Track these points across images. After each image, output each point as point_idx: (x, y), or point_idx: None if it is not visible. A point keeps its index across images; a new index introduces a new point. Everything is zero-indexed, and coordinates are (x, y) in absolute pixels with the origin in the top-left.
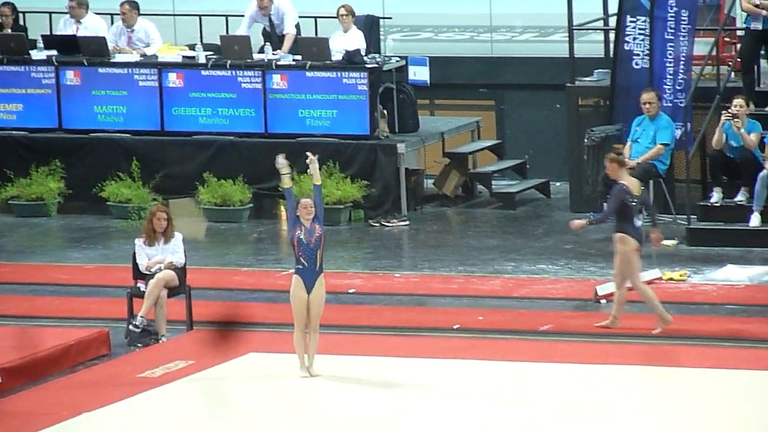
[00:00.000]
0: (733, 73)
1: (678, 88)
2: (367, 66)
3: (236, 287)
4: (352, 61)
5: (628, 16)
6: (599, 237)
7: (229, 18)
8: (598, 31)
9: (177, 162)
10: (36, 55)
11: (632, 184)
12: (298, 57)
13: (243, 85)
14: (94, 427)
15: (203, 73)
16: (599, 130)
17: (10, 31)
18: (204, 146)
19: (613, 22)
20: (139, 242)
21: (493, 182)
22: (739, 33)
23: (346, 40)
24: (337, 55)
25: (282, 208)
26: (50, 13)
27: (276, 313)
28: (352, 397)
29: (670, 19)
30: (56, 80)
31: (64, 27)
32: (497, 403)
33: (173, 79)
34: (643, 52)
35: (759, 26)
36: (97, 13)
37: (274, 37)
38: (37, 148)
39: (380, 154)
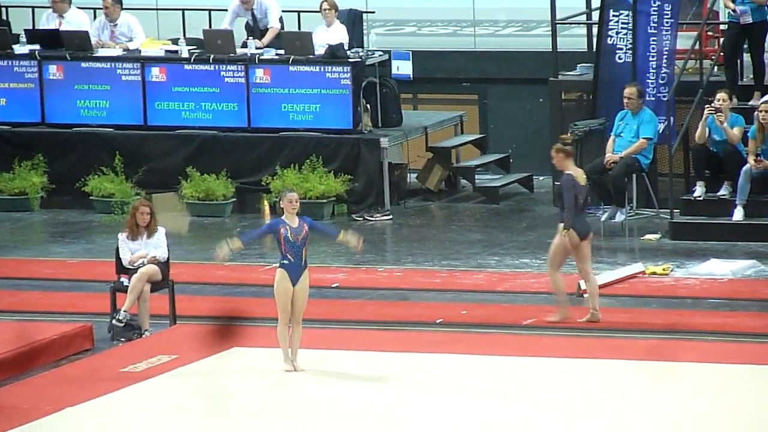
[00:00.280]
0: (715, 67)
1: (661, 82)
2: (351, 60)
3: (220, 282)
4: (335, 55)
5: (611, 10)
6: None
7: (212, 12)
8: (581, 25)
9: (160, 156)
10: (19, 49)
11: (578, 174)
12: (281, 51)
13: (226, 79)
14: (76, 422)
15: (186, 67)
16: (582, 124)
17: None
18: (187, 141)
19: (596, 16)
20: (122, 237)
21: (477, 176)
22: (722, 27)
23: (329, 35)
24: (320, 50)
25: (265, 202)
26: (33, 7)
27: (259, 308)
28: (336, 390)
29: (653, 13)
30: (39, 75)
31: (47, 21)
32: (481, 397)
33: (156, 73)
34: (626, 46)
35: (749, 20)
36: (79, 8)
37: (257, 32)
38: (19, 143)
39: (363, 149)
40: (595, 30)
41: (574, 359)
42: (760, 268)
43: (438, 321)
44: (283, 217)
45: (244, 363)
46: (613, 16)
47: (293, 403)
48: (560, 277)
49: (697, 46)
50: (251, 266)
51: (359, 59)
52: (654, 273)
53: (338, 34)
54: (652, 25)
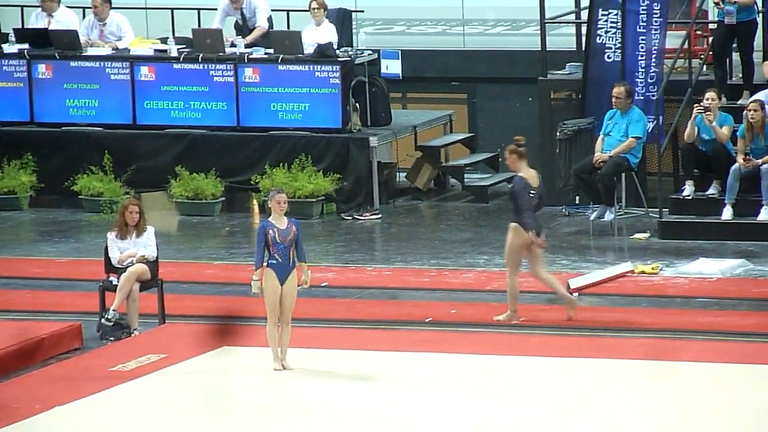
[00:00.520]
0: (704, 67)
1: (650, 81)
2: (340, 59)
3: (208, 281)
4: (324, 54)
5: (600, 10)
6: (571, 230)
7: (201, 11)
8: (570, 24)
9: (149, 155)
10: (8, 48)
11: (530, 175)
12: (271, 50)
13: (215, 78)
14: (66, 421)
15: (175, 66)
16: (571, 123)
17: None
18: (176, 140)
19: (585, 15)
20: (111, 236)
21: (466, 175)
22: (711, 26)
23: (318, 34)
24: (309, 49)
25: (254, 201)
26: (22, 6)
27: (248, 307)
28: (328, 389)
29: (642, 12)
30: (28, 74)
31: (36, 20)
32: (471, 396)
33: (145, 72)
34: (615, 45)
35: (734, 21)
36: (68, 7)
37: (246, 31)
38: (8, 142)
39: (352, 148)
40: (584, 29)
41: (564, 358)
42: (749, 267)
43: (427, 320)
44: (270, 218)
45: (234, 362)
46: (602, 15)
47: (285, 402)
48: (517, 279)
49: (686, 46)
50: (240, 265)
51: (348, 58)
52: (643, 272)
53: (327, 33)
54: (641, 24)
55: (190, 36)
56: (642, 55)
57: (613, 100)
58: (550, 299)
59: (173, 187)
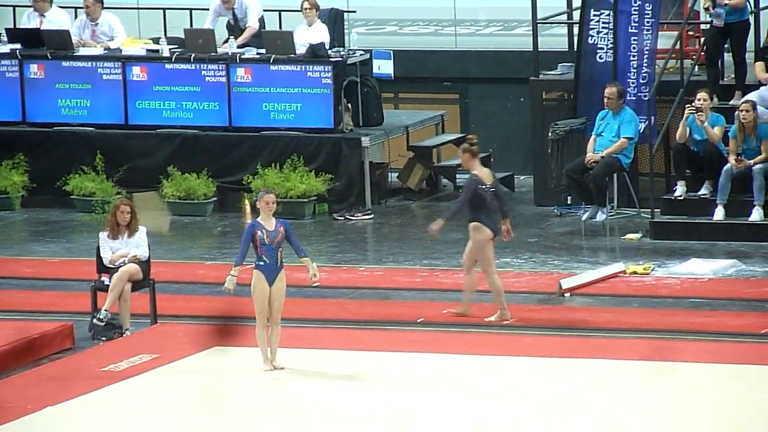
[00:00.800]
0: (696, 67)
1: (642, 81)
2: (332, 59)
3: (200, 281)
4: (316, 54)
5: (592, 10)
6: (563, 231)
7: (193, 11)
8: (562, 24)
9: (141, 155)
10: (0, 48)
11: (484, 174)
12: (263, 51)
13: (207, 78)
14: (58, 421)
15: (167, 66)
16: (563, 123)
17: None
18: (168, 140)
19: (577, 15)
20: (102, 236)
21: (458, 176)
22: (703, 27)
23: (310, 34)
24: (301, 49)
25: (246, 201)
26: (14, 6)
27: (243, 307)
28: (318, 389)
29: (633, 12)
30: (20, 74)
31: (28, 20)
32: (463, 396)
33: (137, 72)
34: (607, 45)
35: (721, 23)
36: (60, 7)
37: (237, 31)
38: (0, 142)
39: (344, 148)
40: (576, 29)
41: (556, 358)
42: (740, 267)
43: (419, 320)
44: (258, 219)
45: (226, 362)
46: (594, 15)
47: (277, 402)
48: (497, 277)
49: (677, 46)
50: (232, 265)
51: (340, 58)
52: (635, 272)
53: (319, 34)
54: (633, 24)
55: (182, 36)
56: (634, 56)
57: (605, 100)
58: (543, 299)
59: (165, 187)
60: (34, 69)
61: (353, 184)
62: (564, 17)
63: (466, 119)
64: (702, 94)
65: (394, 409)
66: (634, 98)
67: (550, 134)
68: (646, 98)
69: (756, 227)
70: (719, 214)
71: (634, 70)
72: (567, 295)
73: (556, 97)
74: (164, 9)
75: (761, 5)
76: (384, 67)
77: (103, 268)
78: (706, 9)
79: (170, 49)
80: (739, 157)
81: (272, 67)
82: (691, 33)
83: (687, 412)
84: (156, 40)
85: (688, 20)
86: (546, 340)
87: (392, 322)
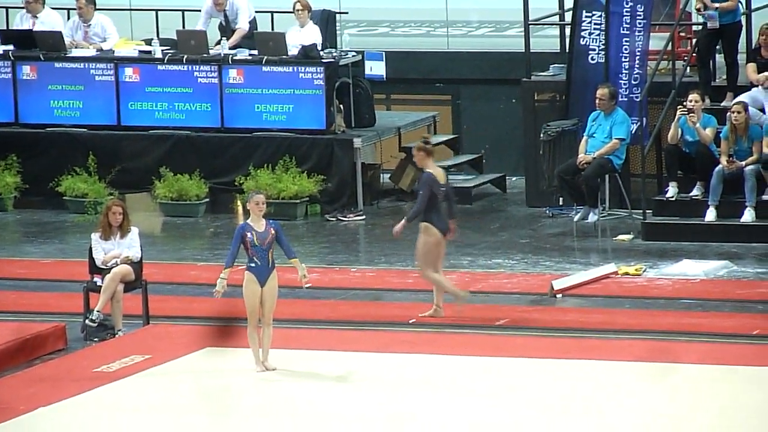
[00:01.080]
0: (688, 68)
1: (634, 82)
2: (324, 61)
3: (192, 282)
4: (308, 55)
5: (584, 11)
6: (555, 231)
7: (186, 13)
8: (553, 26)
9: (133, 156)
10: None
11: (438, 173)
12: (255, 52)
13: (199, 79)
14: (50, 422)
15: (159, 67)
16: (555, 124)
17: None
18: (160, 141)
19: (568, 17)
20: (95, 237)
21: (450, 177)
22: (695, 28)
23: (302, 35)
24: (293, 50)
25: (238, 202)
26: (7, 8)
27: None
28: (310, 390)
29: (625, 14)
30: (13, 75)
31: (21, 22)
32: (455, 397)
33: (129, 73)
34: (598, 47)
35: (716, 24)
36: (53, 8)
37: (229, 32)
38: None
39: (337, 149)
40: (568, 31)
41: (548, 359)
42: (732, 268)
43: (411, 321)
44: (248, 220)
45: (217, 363)
46: (586, 16)
47: (270, 403)
48: (437, 276)
49: (669, 47)
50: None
51: (332, 60)
52: (627, 273)
53: (311, 35)
54: (624, 25)
55: (175, 37)
56: (626, 57)
57: (597, 101)
58: (535, 300)
59: (157, 188)
60: (26, 70)
61: (345, 185)
62: (556, 18)
63: (458, 120)
64: (694, 96)
65: (386, 410)
66: (625, 99)
67: (542, 135)
68: (638, 99)
69: (747, 228)
70: (711, 215)
71: (626, 72)
72: (559, 296)
73: (548, 98)
74: (156, 10)
75: (753, 6)
76: (376, 69)
77: (95, 269)
78: (698, 10)
79: (162, 50)
80: (731, 159)
81: (264, 69)
82: (682, 34)
83: (679, 413)
84: (148, 42)
85: (680, 21)
86: (538, 341)
87: (384, 323)
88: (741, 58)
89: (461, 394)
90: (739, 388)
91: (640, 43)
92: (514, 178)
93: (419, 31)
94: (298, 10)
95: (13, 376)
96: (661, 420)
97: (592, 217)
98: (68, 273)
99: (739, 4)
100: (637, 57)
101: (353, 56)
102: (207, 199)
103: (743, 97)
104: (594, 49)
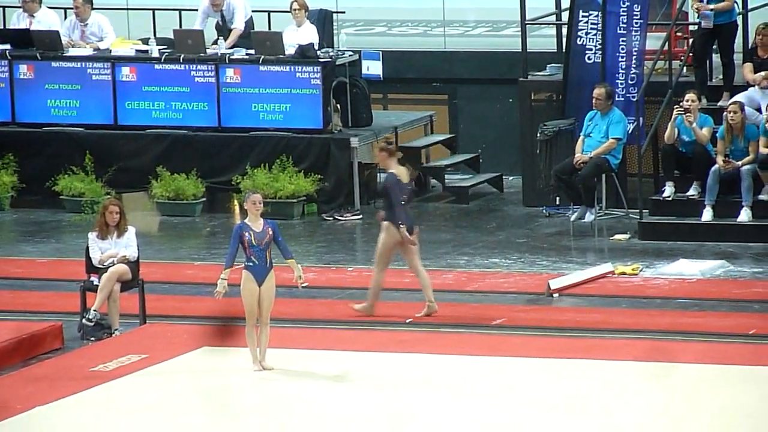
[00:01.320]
0: (685, 68)
1: (630, 82)
2: (321, 60)
3: (189, 281)
4: (305, 55)
5: (581, 11)
6: (552, 231)
7: (183, 12)
8: (550, 25)
9: (130, 156)
10: None
11: (401, 172)
12: (252, 51)
13: (196, 79)
14: (47, 421)
15: (156, 67)
16: (552, 124)
17: None
18: (157, 140)
19: (565, 16)
20: (92, 236)
21: (446, 176)
22: (691, 28)
23: (299, 35)
24: (290, 50)
25: (235, 201)
26: (4, 7)
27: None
28: (307, 389)
29: (622, 13)
30: (10, 74)
31: (18, 21)
32: (452, 397)
33: (126, 73)
34: (595, 46)
35: (710, 24)
36: (50, 8)
37: (226, 32)
38: None
39: (333, 149)
40: (564, 30)
41: (545, 359)
42: (728, 268)
43: (407, 321)
44: (246, 220)
45: (214, 362)
46: (583, 16)
47: (267, 402)
48: (382, 279)
49: (666, 47)
50: (221, 266)
51: (329, 59)
52: (623, 273)
53: (308, 34)
54: (621, 25)
55: (172, 37)
56: (622, 57)
57: (594, 101)
58: (531, 300)
59: (154, 187)
60: (23, 69)
61: (342, 185)
62: (553, 18)
63: (455, 120)
64: (690, 95)
65: (383, 409)
66: (622, 99)
67: (538, 135)
68: (635, 99)
69: (744, 228)
70: (707, 214)
71: (623, 71)
72: (555, 295)
73: (545, 97)
74: (153, 10)
75: (749, 6)
76: (373, 68)
77: (92, 269)
78: (697, 9)
79: (159, 49)
80: (727, 158)
81: (261, 68)
82: (679, 34)
83: (677, 413)
84: (145, 41)
85: (677, 21)
86: (535, 340)
87: (380, 323)
88: (737, 58)
89: (458, 393)
90: (735, 387)
91: (637, 42)
92: (511, 178)
93: (416, 31)
94: (295, 10)
95: (9, 375)
96: (658, 419)
97: (589, 217)
98: (65, 272)
99: (735, 4)
100: (634, 57)
101: (350, 56)
102: (204, 199)
103: (740, 97)
104: (591, 49)
